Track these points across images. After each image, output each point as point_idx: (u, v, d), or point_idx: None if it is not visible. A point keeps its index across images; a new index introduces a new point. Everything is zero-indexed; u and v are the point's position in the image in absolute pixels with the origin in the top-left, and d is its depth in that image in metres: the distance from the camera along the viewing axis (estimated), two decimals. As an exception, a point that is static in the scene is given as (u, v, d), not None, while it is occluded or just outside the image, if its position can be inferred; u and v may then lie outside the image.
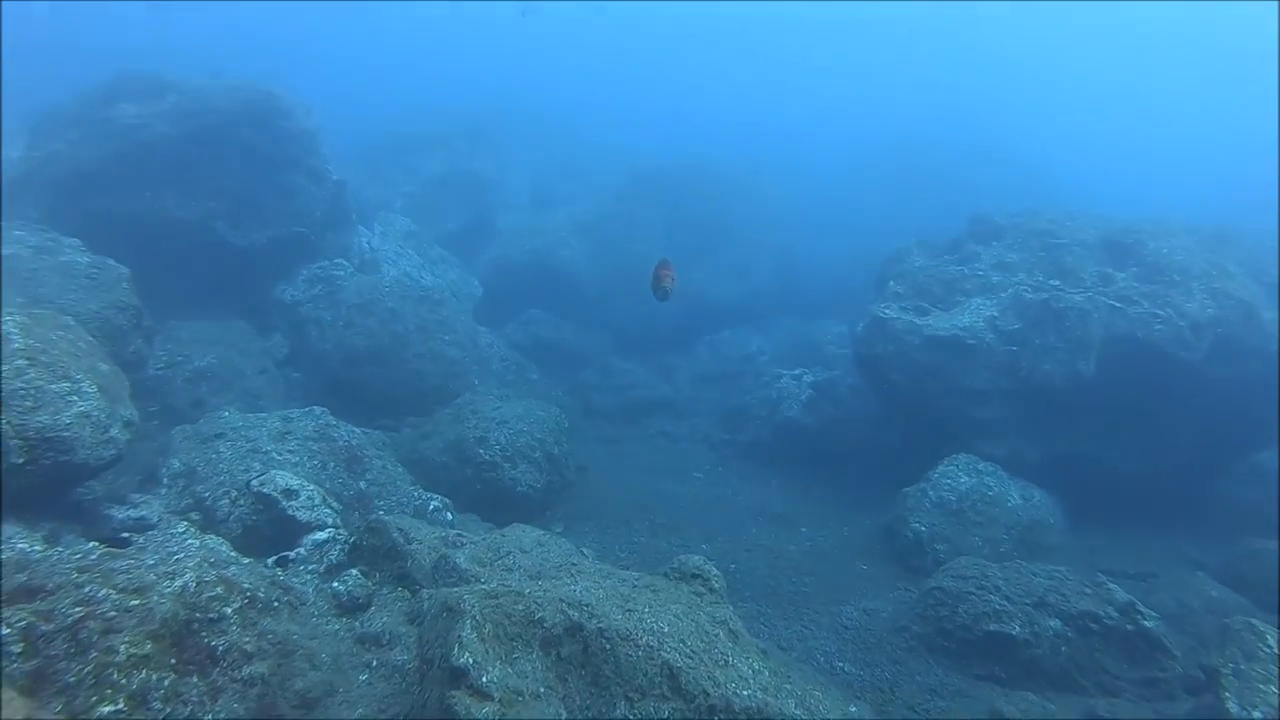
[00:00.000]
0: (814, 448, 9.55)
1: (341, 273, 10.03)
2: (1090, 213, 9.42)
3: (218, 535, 4.64)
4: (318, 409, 6.64)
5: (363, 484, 6.26)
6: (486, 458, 7.67)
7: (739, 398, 11.45)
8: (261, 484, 5.04)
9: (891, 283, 9.03)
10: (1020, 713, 5.14)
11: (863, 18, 42.37)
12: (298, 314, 9.57)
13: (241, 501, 5.09)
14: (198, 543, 3.88)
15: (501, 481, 7.62)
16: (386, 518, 4.54)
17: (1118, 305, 7.68)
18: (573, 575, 4.35)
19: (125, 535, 4.44)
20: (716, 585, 4.46)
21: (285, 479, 5.13)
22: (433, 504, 6.45)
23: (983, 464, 7.66)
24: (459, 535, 4.60)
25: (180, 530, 4.17)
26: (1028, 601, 5.65)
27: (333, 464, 6.15)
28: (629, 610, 3.67)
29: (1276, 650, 4.89)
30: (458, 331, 10.03)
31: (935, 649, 5.70)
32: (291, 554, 4.82)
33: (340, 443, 6.41)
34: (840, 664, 5.60)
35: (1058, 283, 8.07)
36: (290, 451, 5.99)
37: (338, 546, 4.77)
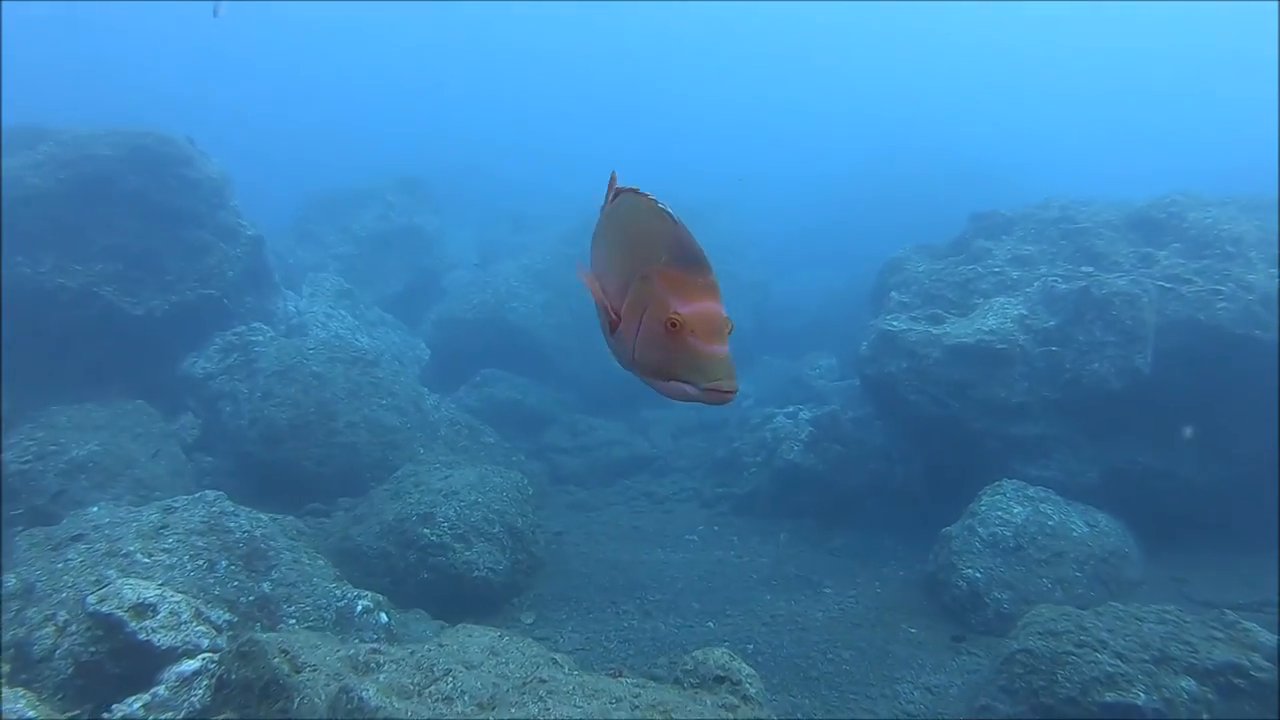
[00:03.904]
0: (823, 492, 8.21)
1: (260, 338, 8.62)
2: (1103, 198, 8.37)
3: (28, 686, 3.18)
4: (210, 494, 5.21)
5: (266, 585, 4.80)
6: (433, 539, 6.25)
7: (727, 445, 10.09)
8: (101, 601, 3.59)
9: (894, 293, 7.82)
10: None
11: (814, 44, 42.54)
12: (209, 389, 8.13)
13: (74, 629, 3.63)
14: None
15: (453, 566, 6.19)
16: (265, 636, 3.11)
17: (1168, 286, 6.51)
18: (541, 699, 2.96)
19: None
20: (752, 690, 3.09)
21: (138, 590, 3.69)
22: (361, 604, 5.00)
23: (1033, 489, 6.38)
24: (375, 652, 3.17)
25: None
26: (1146, 658, 4.31)
27: (225, 562, 4.70)
28: (632, 757, 2.28)
29: None
30: (397, 395, 8.62)
31: (1035, 736, 4.32)
32: (141, 699, 3.36)
33: (237, 535, 4.96)
34: (914, 769, 4.20)
35: (1091, 269, 6.92)
36: (164, 551, 4.54)
37: (205, 682, 3.33)
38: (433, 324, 13.01)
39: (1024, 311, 6.94)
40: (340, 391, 8.19)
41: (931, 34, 42.04)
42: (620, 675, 3.38)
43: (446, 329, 12.76)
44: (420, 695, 2.98)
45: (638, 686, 3.15)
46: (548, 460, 9.99)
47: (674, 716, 2.84)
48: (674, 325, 1.59)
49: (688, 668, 3.22)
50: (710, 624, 6.03)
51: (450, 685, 3.06)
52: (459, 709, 2.96)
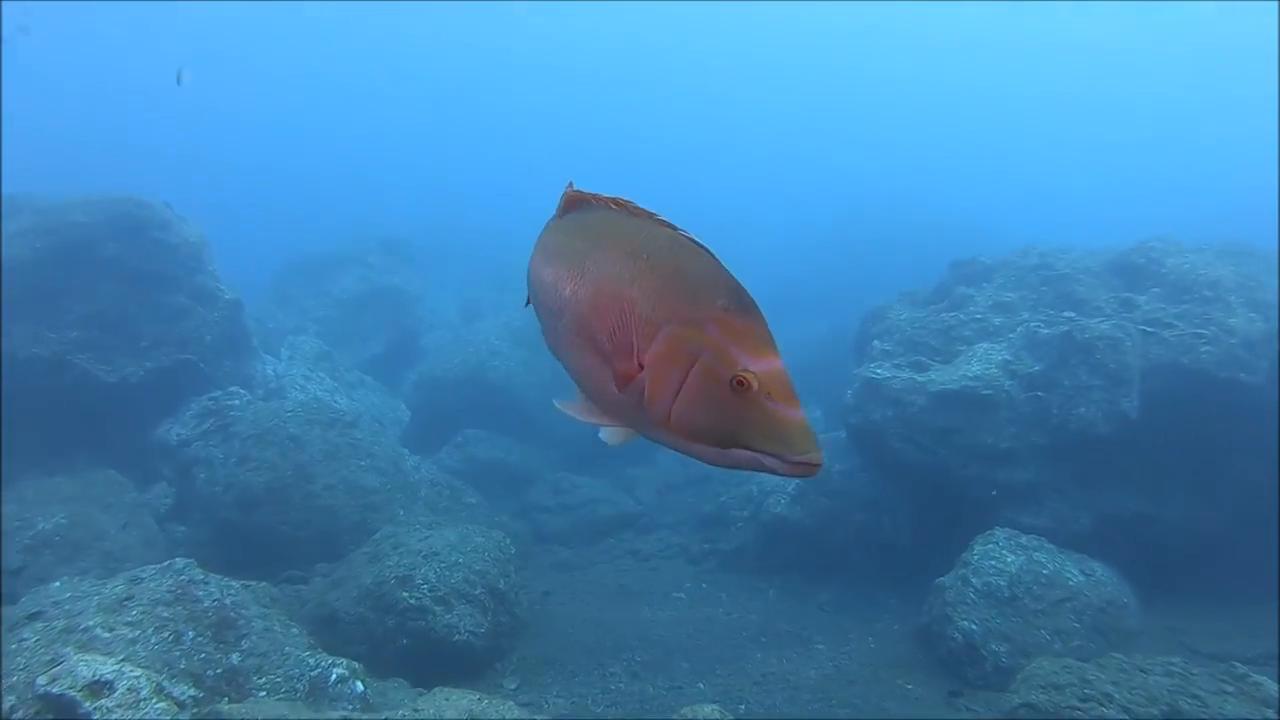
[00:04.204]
0: (811, 546, 8.05)
1: (237, 402, 8.47)
2: (1081, 246, 8.43)
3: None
4: (180, 562, 5.02)
5: (235, 656, 4.61)
6: (412, 602, 6.05)
7: (713, 501, 9.94)
8: (52, 681, 3.40)
9: (876, 342, 7.79)
10: None
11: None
12: (184, 456, 7.95)
13: (21, 714, 3.42)
14: None
15: (434, 631, 5.98)
16: (229, 709, 2.94)
17: (1150, 330, 6.51)
18: (522, 767, 2.79)
19: None
20: (745, 753, 2.92)
21: (94, 667, 3.50)
22: (335, 672, 4.80)
23: (1025, 537, 6.26)
24: (346, 722, 3.00)
25: None
26: (1155, 713, 4.15)
27: (192, 633, 4.50)
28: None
29: None
30: (376, 456, 8.46)
31: (1041, 794, 4.14)
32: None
33: (206, 604, 4.77)
34: (916, 834, 4.00)
35: (1073, 314, 6.91)
36: (127, 624, 4.34)
37: (165, 762, 3.14)
38: (413, 385, 12.87)
39: (1008, 357, 6.91)
40: (318, 454, 8.02)
41: (913, 80, 43.04)
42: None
43: (427, 389, 12.61)
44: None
45: (624, 754, 2.99)
46: (531, 520, 9.81)
47: (662, 785, 2.68)
48: (742, 384, 1.35)
49: (676, 731, 3.06)
50: (700, 684, 5.83)
51: (426, 758, 2.90)
52: (434, 783, 2.79)
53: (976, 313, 7.55)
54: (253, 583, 5.55)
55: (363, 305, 13.94)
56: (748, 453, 1.37)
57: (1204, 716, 4.08)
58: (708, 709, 3.16)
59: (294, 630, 5.24)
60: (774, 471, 1.36)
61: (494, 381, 12.39)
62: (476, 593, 6.39)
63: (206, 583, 4.94)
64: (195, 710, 3.74)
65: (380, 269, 14.38)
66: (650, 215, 1.65)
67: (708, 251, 1.52)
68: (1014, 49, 40.58)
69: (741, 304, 1.43)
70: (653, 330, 1.46)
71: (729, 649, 6.46)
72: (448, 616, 6.10)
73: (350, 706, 4.67)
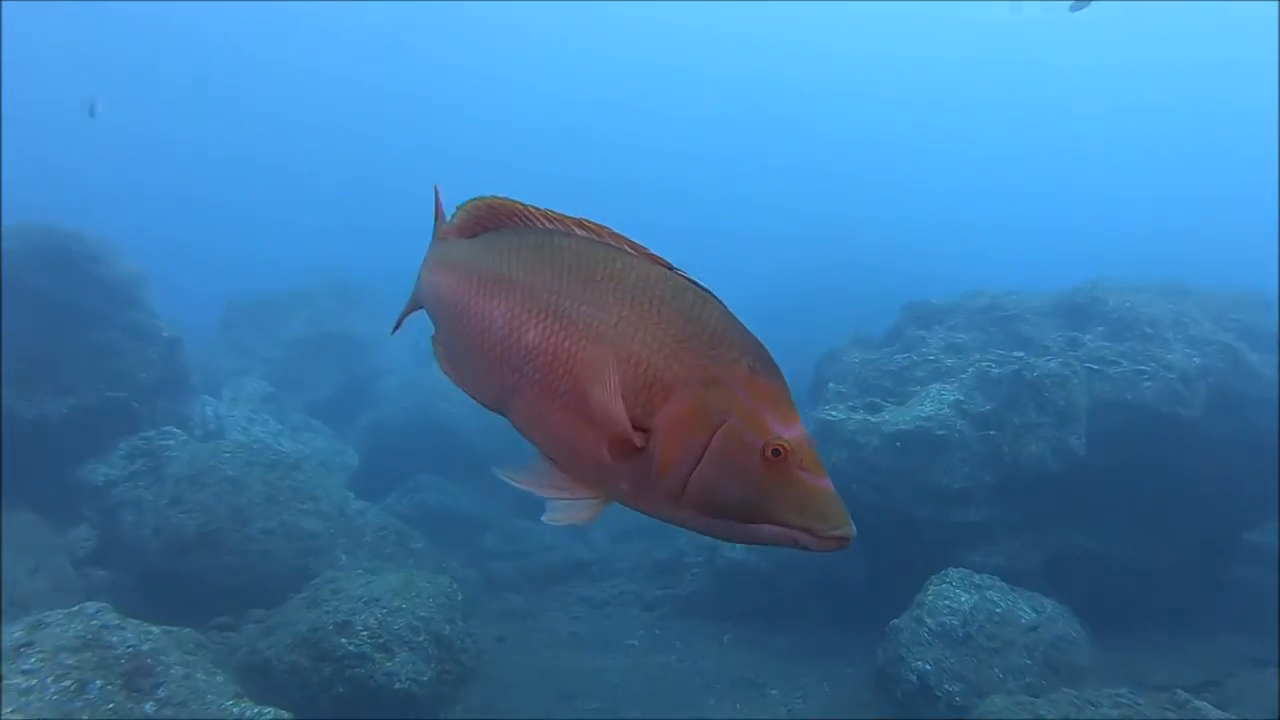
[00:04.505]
0: (768, 591, 7.91)
1: (172, 442, 8.16)
2: (1028, 289, 8.56)
3: None
4: (92, 606, 4.72)
5: (150, 706, 4.32)
6: (351, 649, 5.76)
7: (668, 548, 9.76)
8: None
9: (831, 384, 7.76)
10: None
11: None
12: (109, 497, 7.60)
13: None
14: None
15: (373, 678, 5.69)
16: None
17: (1096, 368, 6.57)
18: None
19: None
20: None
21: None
22: (261, 722, 4.51)
23: (979, 576, 6.19)
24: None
25: None
26: (1108, 758, 4.07)
27: (100, 682, 4.21)
28: None
29: None
30: (320, 500, 8.16)
31: (1000, 837, 4.01)
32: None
33: (120, 650, 4.48)
34: None
35: (1022, 353, 6.95)
36: (22, 673, 4.04)
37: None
38: (363, 430, 12.59)
39: (960, 397, 6.91)
40: (257, 497, 7.72)
41: (865, 126, 43.97)
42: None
43: (377, 434, 12.34)
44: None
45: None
46: (482, 566, 9.54)
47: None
48: (778, 454, 1.22)
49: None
50: (651, 733, 5.62)
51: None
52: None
53: (929, 354, 7.57)
54: (175, 629, 5.25)
55: (312, 349, 13.67)
56: (777, 528, 1.24)
57: None
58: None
59: (219, 678, 4.94)
60: (804, 547, 1.25)
61: (445, 425, 12.16)
62: (420, 639, 6.12)
63: (122, 628, 4.65)
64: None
65: (330, 312, 14.15)
66: (636, 247, 1.41)
67: (715, 298, 1.35)
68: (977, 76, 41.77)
69: (766, 364, 1.30)
70: (665, 391, 1.28)
71: (682, 696, 6.27)
72: (388, 664, 5.82)
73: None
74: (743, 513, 1.25)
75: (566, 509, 1.42)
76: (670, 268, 1.37)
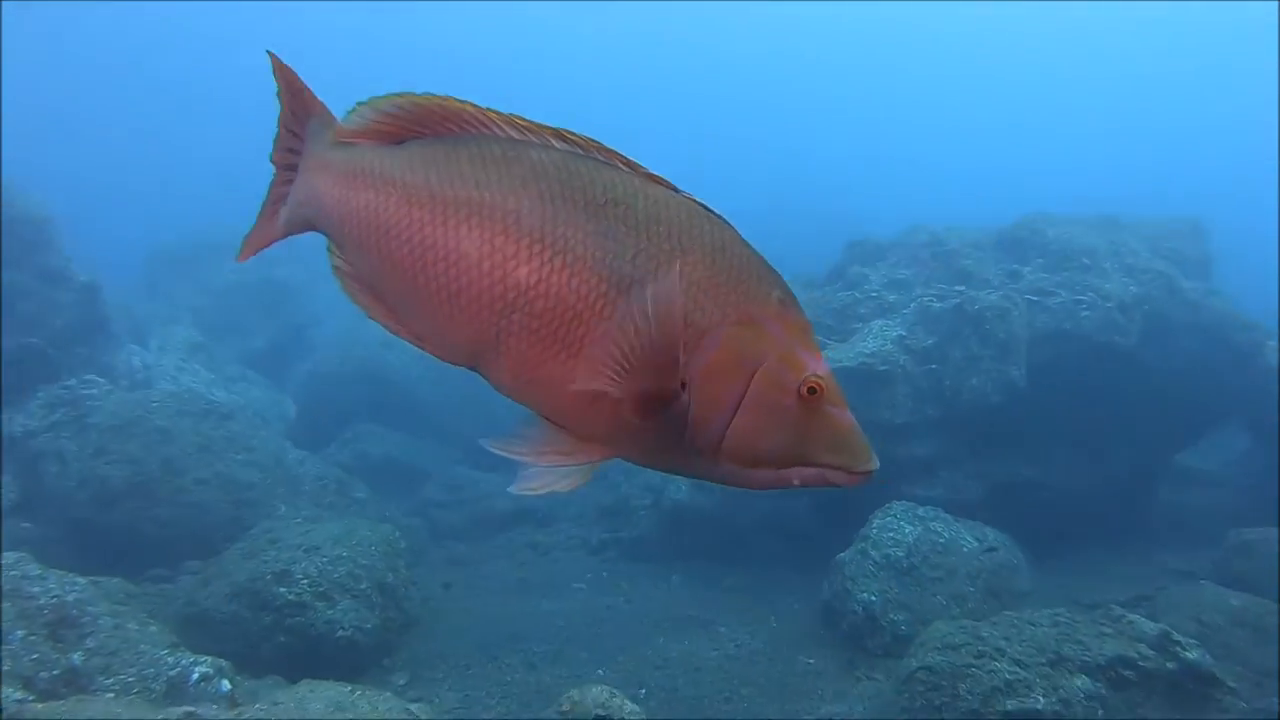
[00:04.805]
0: (714, 530, 7.93)
1: (94, 391, 7.79)
2: (968, 225, 8.59)
3: None
4: (10, 556, 4.51)
5: (77, 656, 4.15)
6: (290, 598, 5.63)
7: (614, 492, 9.74)
8: None
9: (774, 322, 7.73)
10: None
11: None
12: (29, 448, 7.25)
13: None
14: None
15: (314, 627, 5.58)
16: (40, 707, 2.56)
17: (1035, 299, 6.67)
18: (391, 750, 2.51)
19: None
20: (638, 724, 2.71)
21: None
22: (198, 671, 4.38)
23: (922, 509, 6.29)
24: (191, 715, 2.67)
25: None
26: (1042, 660, 4.18)
27: (22, 633, 4.03)
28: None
29: None
30: (255, 449, 7.93)
31: (942, 754, 4.08)
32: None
33: (42, 601, 4.29)
34: (821, 804, 3.88)
35: (963, 287, 7.00)
36: (-59, 624, 3.83)
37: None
38: (300, 379, 12.29)
39: (903, 332, 6.94)
40: (189, 446, 7.45)
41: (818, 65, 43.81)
42: (492, 724, 2.97)
43: (316, 384, 12.05)
44: (242, 759, 2.49)
45: (507, 730, 2.75)
46: (426, 515, 9.41)
47: (547, 757, 2.44)
48: (814, 391, 1.14)
49: (564, 709, 2.85)
50: (599, 671, 5.61)
51: (281, 745, 2.59)
52: (290, 771, 2.49)
53: (872, 290, 7.59)
54: (103, 579, 5.06)
55: (245, 296, 13.22)
56: (811, 469, 1.17)
57: (1086, 658, 4.16)
58: (596, 689, 2.95)
59: (152, 628, 4.77)
60: (834, 485, 1.18)
61: (386, 375, 11.93)
62: (362, 587, 6.01)
63: (44, 578, 4.44)
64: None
65: (262, 258, 13.51)
66: (630, 163, 1.20)
67: (729, 223, 1.21)
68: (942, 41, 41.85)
69: (791, 293, 1.21)
70: (698, 336, 1.14)
71: (630, 636, 6.26)
72: (330, 612, 5.71)
73: (214, 706, 4.26)
74: (781, 459, 1.16)
75: (548, 476, 1.24)
76: (675, 189, 1.20)
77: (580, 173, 1.18)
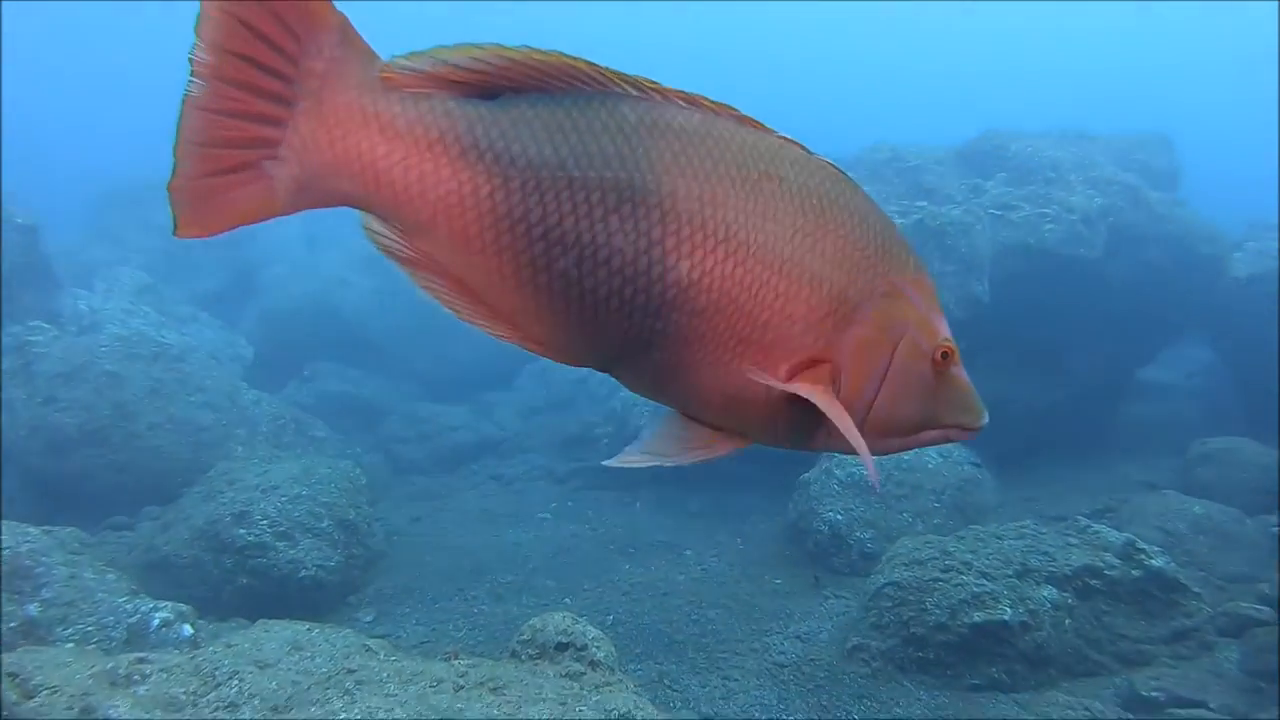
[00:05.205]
0: (679, 455, 7.88)
1: (40, 338, 7.53)
2: (931, 141, 8.49)
3: None
4: (-44, 509, 4.35)
5: (34, 607, 4.07)
6: (250, 539, 5.55)
7: (577, 420, 9.73)
8: None
9: (735, 244, 7.62)
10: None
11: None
12: (-26, 400, 7.02)
13: None
14: None
15: (277, 567, 5.52)
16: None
17: (999, 214, 6.61)
18: (348, 692, 2.47)
19: None
20: (600, 654, 2.69)
21: None
22: (159, 617, 4.32)
23: (886, 427, 6.28)
24: (140, 663, 2.59)
25: None
26: (1009, 572, 4.24)
27: (-29, 586, 3.90)
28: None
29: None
30: (209, 390, 7.75)
31: (909, 665, 4.16)
32: None
33: (-10, 552, 4.15)
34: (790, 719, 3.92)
35: (925, 202, 6.92)
36: (-115, 581, 3.71)
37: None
38: (255, 319, 12.01)
39: (864, 250, 6.85)
40: (141, 390, 7.26)
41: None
42: (455, 657, 2.93)
43: (271, 324, 11.81)
44: (194, 705, 2.43)
45: (469, 666, 2.70)
46: (387, 452, 9.32)
47: (507, 693, 2.40)
48: (945, 358, 1.14)
49: (524, 638, 2.80)
50: (566, 600, 5.62)
51: (236, 689, 2.52)
52: (245, 715, 2.43)
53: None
54: (57, 529, 4.92)
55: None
56: (936, 431, 1.18)
57: (1052, 569, 4.21)
58: (558, 617, 2.90)
59: (110, 576, 4.68)
60: (951, 441, 1.21)
61: (341, 312, 11.74)
62: (324, 526, 5.95)
63: (-7, 529, 4.31)
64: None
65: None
66: (745, 118, 1.07)
67: (860, 186, 1.15)
68: None
69: (919, 257, 1.17)
70: (850, 311, 1.08)
71: (596, 564, 6.28)
72: (292, 552, 5.65)
73: (176, 651, 4.20)
74: (915, 425, 1.15)
75: (665, 454, 1.15)
76: (809, 151, 1.10)
77: (729, 140, 1.04)
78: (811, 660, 4.40)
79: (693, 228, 1.01)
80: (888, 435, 1.14)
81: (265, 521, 5.66)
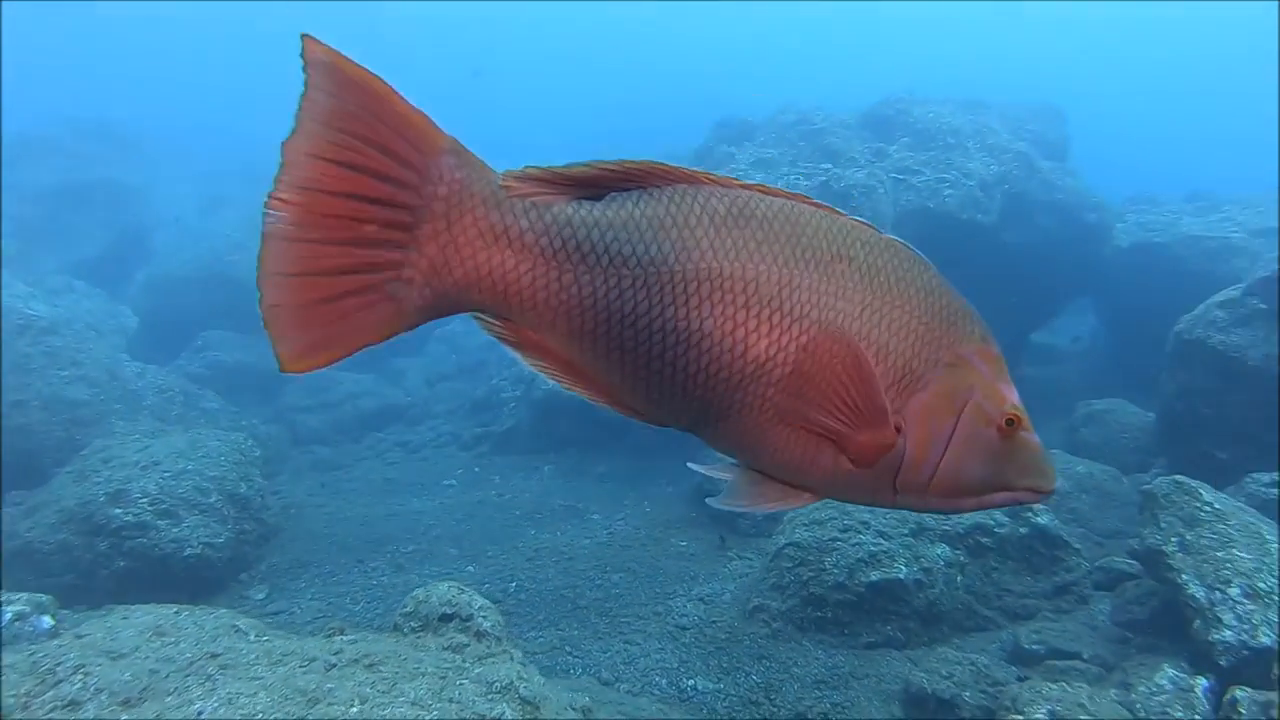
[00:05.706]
0: (586, 418, 7.83)
1: (-114, 313, 6.93)
2: (837, 106, 8.48)
3: None
4: None
5: None
6: (128, 519, 5.23)
7: (484, 384, 9.54)
8: None
9: (639, 204, 7.50)
10: (936, 676, 3.72)
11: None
12: None
13: None
14: None
15: (158, 547, 5.21)
16: None
17: (901, 178, 6.64)
18: (209, 678, 2.29)
19: None
20: (486, 624, 2.57)
21: None
22: (10, 610, 4.00)
23: (790, 390, 6.30)
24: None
25: None
26: (905, 531, 4.28)
27: None
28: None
29: (1218, 506, 3.75)
30: (84, 365, 7.28)
31: (808, 625, 4.18)
32: None
33: None
34: (690, 681, 3.89)
35: (829, 165, 6.91)
36: None
37: None
38: (141, 287, 11.33)
39: (768, 211, 6.82)
40: (4, 366, 6.76)
41: None
42: (340, 633, 2.77)
43: (158, 291, 11.14)
44: (25, 709, 2.21)
45: (346, 642, 2.55)
46: (287, 421, 8.97)
47: (383, 669, 2.27)
48: (1014, 422, 1.17)
49: (407, 610, 2.66)
50: (470, 568, 5.49)
51: (79, 685, 2.32)
52: (90, 712, 2.23)
53: (739, 169, 7.42)
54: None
55: (68, 200, 11.98)
56: (1006, 494, 1.21)
57: (946, 528, 4.34)
58: (442, 587, 2.76)
59: (-37, 564, 4.33)
60: (1022, 503, 1.25)
61: (234, 277, 11.13)
62: (211, 501, 5.65)
63: None
64: None
65: (89, 158, 12.36)
66: (824, 207, 1.17)
67: (923, 257, 1.21)
68: None
69: (987, 328, 1.23)
70: (915, 380, 1.16)
71: (501, 530, 6.15)
72: (175, 530, 5.34)
73: (32, 646, 3.91)
74: (982, 488, 1.19)
75: (746, 503, 1.27)
76: (878, 231, 1.18)
77: (805, 224, 1.14)
78: (713, 622, 4.38)
79: (771, 309, 1.11)
80: (956, 495, 1.19)
81: (145, 499, 5.33)
